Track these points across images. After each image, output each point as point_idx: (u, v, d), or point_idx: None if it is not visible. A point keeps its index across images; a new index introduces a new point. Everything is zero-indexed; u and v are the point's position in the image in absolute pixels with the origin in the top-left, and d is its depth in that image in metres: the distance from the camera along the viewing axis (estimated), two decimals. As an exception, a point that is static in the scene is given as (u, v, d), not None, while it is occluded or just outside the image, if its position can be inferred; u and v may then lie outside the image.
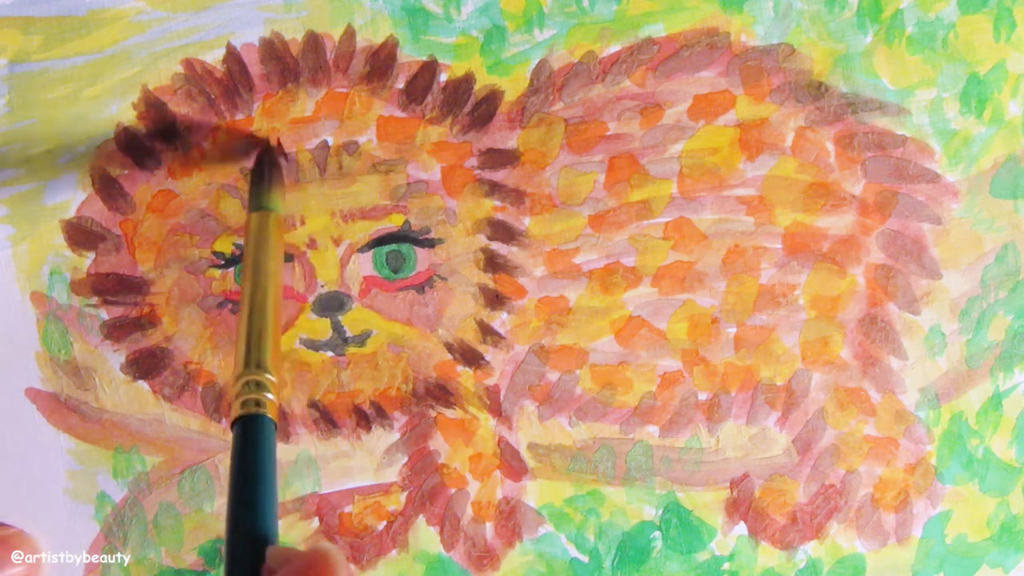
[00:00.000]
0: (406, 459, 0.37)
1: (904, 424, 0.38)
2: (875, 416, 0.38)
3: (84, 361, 0.35)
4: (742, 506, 0.38)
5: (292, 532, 0.36)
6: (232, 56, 0.35)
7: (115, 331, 0.35)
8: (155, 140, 0.35)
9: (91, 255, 0.35)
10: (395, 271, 0.36)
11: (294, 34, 0.35)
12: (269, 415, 0.28)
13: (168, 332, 0.36)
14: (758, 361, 0.37)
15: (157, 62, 0.35)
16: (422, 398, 0.37)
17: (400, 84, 0.35)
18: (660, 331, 0.37)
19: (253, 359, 0.28)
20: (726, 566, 0.38)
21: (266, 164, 0.33)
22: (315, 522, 0.37)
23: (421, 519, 0.37)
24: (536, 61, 0.36)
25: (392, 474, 0.37)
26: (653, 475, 0.37)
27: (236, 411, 0.28)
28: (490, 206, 0.36)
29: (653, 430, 0.37)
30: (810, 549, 0.38)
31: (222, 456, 0.36)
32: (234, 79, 0.35)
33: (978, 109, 0.37)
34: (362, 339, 0.36)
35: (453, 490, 0.37)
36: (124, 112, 0.35)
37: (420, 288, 0.36)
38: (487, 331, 0.36)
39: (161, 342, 0.36)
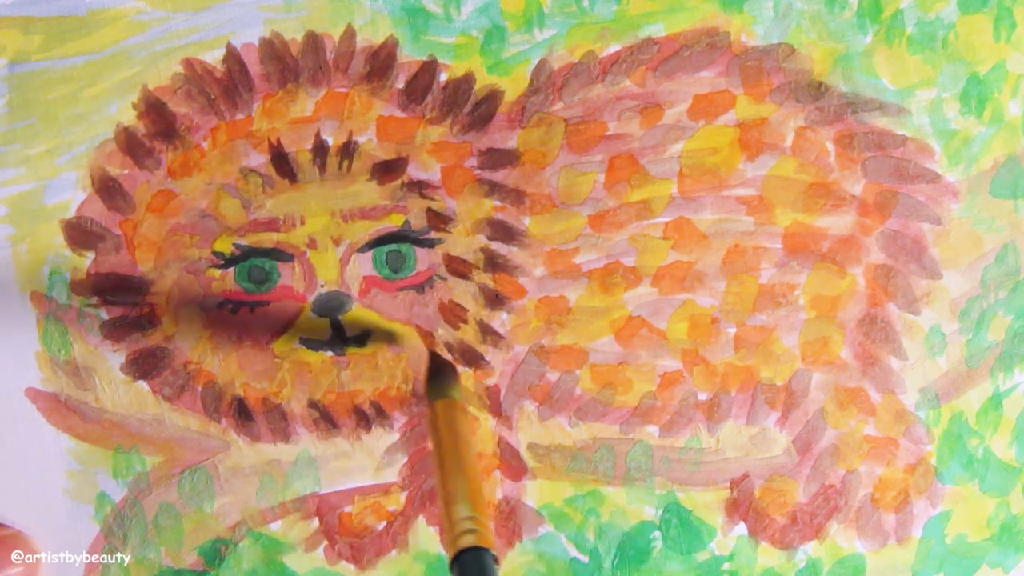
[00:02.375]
0: (406, 459, 0.37)
1: (904, 424, 0.38)
2: (875, 416, 0.38)
3: (84, 361, 0.35)
4: (742, 506, 0.38)
5: (292, 532, 0.37)
6: (232, 56, 0.35)
7: (115, 331, 0.35)
8: (155, 140, 0.35)
9: (91, 255, 0.35)
10: (395, 271, 0.36)
11: (294, 34, 0.35)
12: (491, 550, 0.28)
13: (168, 332, 0.36)
14: (758, 361, 0.37)
15: (157, 62, 0.35)
16: (422, 398, 0.37)
17: (400, 84, 0.35)
18: (660, 331, 0.37)
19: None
20: (726, 566, 0.38)
21: (440, 363, 0.36)
22: (315, 522, 0.37)
23: (421, 519, 0.37)
24: (536, 61, 0.36)
25: (392, 474, 0.37)
26: (653, 475, 0.37)
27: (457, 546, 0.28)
28: (490, 206, 0.36)
29: (653, 430, 0.37)
30: (810, 549, 0.38)
31: (222, 456, 0.36)
32: (234, 79, 0.35)
33: (978, 109, 0.37)
34: (362, 339, 0.36)
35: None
36: (124, 112, 0.35)
37: (420, 288, 0.36)
38: (487, 331, 0.36)
39: (161, 342, 0.36)
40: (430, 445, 0.33)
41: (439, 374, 0.35)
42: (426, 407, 0.35)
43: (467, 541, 0.28)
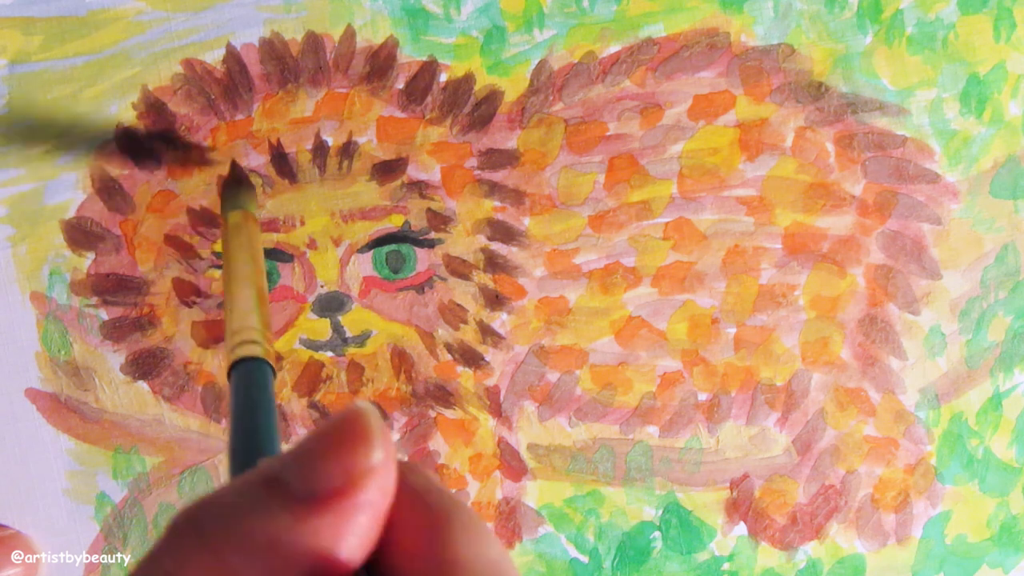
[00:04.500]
0: (406, 459, 0.37)
1: (904, 424, 0.38)
2: (875, 416, 0.38)
3: (84, 361, 0.35)
4: (742, 506, 0.38)
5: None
6: (232, 56, 0.35)
7: (115, 331, 0.35)
8: (155, 140, 0.35)
9: (91, 255, 0.35)
10: (395, 271, 0.36)
11: (294, 34, 0.35)
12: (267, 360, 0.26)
13: (168, 332, 0.36)
14: (758, 361, 0.37)
15: (157, 62, 0.35)
16: (422, 398, 0.37)
17: (400, 84, 0.35)
18: (660, 331, 0.37)
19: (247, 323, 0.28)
20: (726, 566, 0.38)
21: (238, 174, 0.34)
22: (315, 522, 0.37)
23: (421, 519, 0.37)
24: (536, 61, 0.36)
25: (392, 474, 0.37)
26: (653, 475, 0.37)
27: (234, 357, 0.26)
28: (490, 206, 0.36)
29: (653, 430, 0.37)
30: (810, 549, 0.38)
31: (222, 456, 0.36)
32: (234, 79, 0.35)
33: (978, 109, 0.37)
34: (362, 339, 0.36)
35: (453, 490, 0.37)
36: (124, 112, 0.35)
37: (420, 288, 0.36)
38: (487, 331, 0.36)
39: (161, 342, 0.36)
40: (223, 259, 0.30)
41: (235, 185, 0.33)
42: (221, 221, 0.32)
43: (249, 351, 0.26)
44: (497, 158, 0.36)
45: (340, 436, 0.18)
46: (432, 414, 0.37)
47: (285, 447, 0.20)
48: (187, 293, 0.35)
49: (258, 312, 0.28)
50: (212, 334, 0.35)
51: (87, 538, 0.36)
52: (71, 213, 0.35)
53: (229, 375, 0.26)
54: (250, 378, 0.25)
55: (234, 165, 0.35)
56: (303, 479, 0.17)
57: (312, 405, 0.36)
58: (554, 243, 0.36)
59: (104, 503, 0.36)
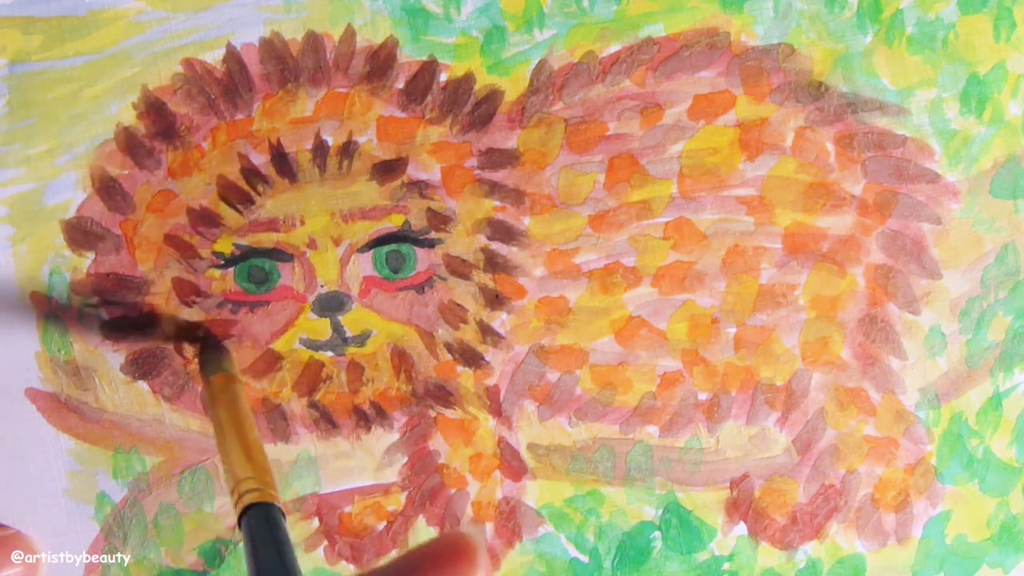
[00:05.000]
0: (406, 459, 0.37)
1: (904, 424, 0.38)
2: (875, 416, 0.38)
3: (84, 361, 0.35)
4: (742, 506, 0.38)
5: (292, 532, 0.36)
6: (232, 56, 0.35)
7: (115, 331, 0.35)
8: (155, 140, 0.35)
9: (91, 255, 0.35)
10: (395, 271, 0.36)
11: (294, 34, 0.35)
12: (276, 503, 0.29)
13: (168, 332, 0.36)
14: (758, 361, 0.37)
15: (157, 62, 0.35)
16: (422, 398, 0.37)
17: (400, 84, 0.35)
18: (660, 331, 0.37)
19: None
20: (726, 566, 0.38)
21: (210, 339, 0.36)
22: (315, 522, 0.37)
23: (421, 519, 0.37)
24: (536, 61, 0.36)
25: (392, 474, 0.37)
26: (653, 475, 0.37)
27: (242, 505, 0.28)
28: (490, 206, 0.36)
29: (653, 430, 0.37)
30: (810, 549, 0.38)
31: (222, 456, 0.36)
32: (234, 79, 0.35)
33: (978, 109, 0.37)
34: (362, 339, 0.36)
35: (453, 490, 0.37)
36: (124, 112, 0.35)
37: (420, 288, 0.36)
38: (487, 331, 0.36)
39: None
40: (210, 419, 0.33)
41: (210, 350, 0.35)
42: (203, 384, 0.34)
43: (251, 498, 0.28)
44: (497, 158, 0.36)
45: (444, 554, 0.19)
46: (432, 414, 0.37)
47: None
48: (187, 293, 0.35)
49: (252, 462, 0.30)
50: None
51: (87, 538, 0.36)
52: (71, 213, 0.35)
53: (240, 525, 0.28)
54: (258, 520, 0.28)
55: (208, 333, 0.35)
56: None
57: (312, 405, 0.36)
58: (554, 243, 0.36)
59: (104, 503, 0.36)
